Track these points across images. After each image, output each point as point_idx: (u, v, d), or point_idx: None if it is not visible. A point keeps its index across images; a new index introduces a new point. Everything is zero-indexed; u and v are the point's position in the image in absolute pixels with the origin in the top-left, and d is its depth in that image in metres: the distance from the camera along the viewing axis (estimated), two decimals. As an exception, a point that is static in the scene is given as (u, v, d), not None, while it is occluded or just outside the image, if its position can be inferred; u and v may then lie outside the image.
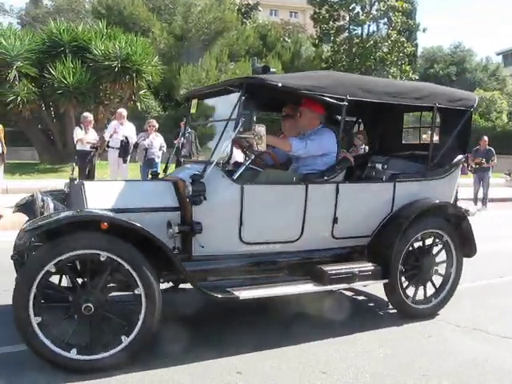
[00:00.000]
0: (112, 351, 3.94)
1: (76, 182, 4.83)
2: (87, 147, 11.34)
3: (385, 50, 31.85)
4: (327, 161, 5.16)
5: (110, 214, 4.19)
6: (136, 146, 11.78)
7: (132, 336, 4.00)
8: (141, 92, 18.66)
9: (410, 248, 5.32)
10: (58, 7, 31.17)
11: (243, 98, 4.66)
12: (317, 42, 33.96)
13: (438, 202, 5.45)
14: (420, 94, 5.52)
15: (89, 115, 11.91)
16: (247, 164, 4.96)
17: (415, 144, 6.38)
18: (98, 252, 3.90)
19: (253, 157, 5.06)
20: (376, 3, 31.90)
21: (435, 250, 5.56)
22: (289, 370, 4.07)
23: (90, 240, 3.93)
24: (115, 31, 18.92)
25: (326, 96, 4.91)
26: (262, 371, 4.04)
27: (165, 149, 12.18)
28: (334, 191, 5.01)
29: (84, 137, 11.37)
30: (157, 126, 12.18)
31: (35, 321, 3.75)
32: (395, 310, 5.39)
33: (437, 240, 5.51)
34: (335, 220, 5.04)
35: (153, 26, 27.43)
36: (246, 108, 4.82)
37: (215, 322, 5.16)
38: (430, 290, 5.47)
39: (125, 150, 11.73)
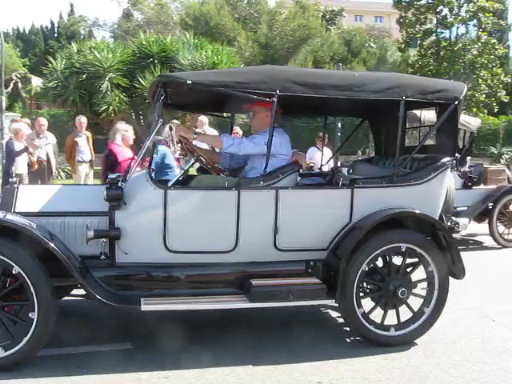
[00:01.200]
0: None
1: (9, 186, 4.78)
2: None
3: (474, 52, 30.71)
4: (275, 164, 4.77)
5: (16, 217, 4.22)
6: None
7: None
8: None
9: (371, 265, 4.71)
10: (148, 20, 32.28)
11: (161, 97, 4.48)
12: (403, 46, 33.22)
13: (405, 211, 4.76)
14: (381, 86, 4.79)
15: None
16: (186, 169, 4.89)
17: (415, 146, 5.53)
18: None
19: (192, 161, 5.01)
20: (465, 4, 30.86)
21: (410, 267, 4.93)
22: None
23: None
24: (202, 41, 19.29)
25: (250, 92, 4.56)
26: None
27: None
28: (273, 198, 4.58)
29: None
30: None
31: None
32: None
33: (410, 256, 4.84)
34: (276, 230, 4.60)
35: (238, 35, 27.85)
36: (168, 108, 4.65)
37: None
38: (407, 314, 4.88)
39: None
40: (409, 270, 4.95)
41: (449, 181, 5.34)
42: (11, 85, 34.93)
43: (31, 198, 4.64)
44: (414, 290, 4.92)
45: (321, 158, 6.84)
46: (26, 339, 4.09)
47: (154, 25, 30.57)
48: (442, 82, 5.54)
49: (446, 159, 5.03)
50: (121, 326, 5.25)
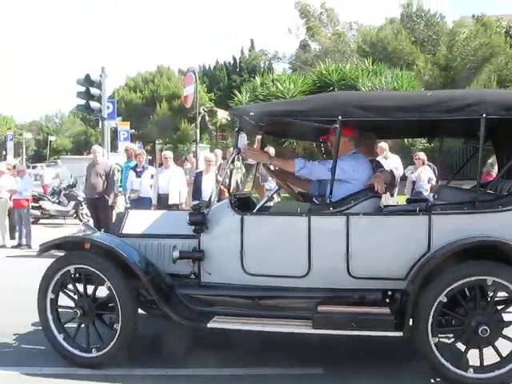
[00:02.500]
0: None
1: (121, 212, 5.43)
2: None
3: None
4: (348, 189, 4.70)
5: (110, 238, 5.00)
6: (404, 178, 11.82)
7: None
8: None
9: (446, 299, 4.29)
10: (326, 50, 32.95)
11: (236, 128, 4.88)
12: None
13: (488, 239, 4.28)
14: (456, 104, 4.44)
15: (271, 152, 12.32)
16: (270, 195, 5.25)
17: None
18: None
19: (275, 189, 5.28)
20: None
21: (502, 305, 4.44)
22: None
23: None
24: (380, 67, 19.32)
25: (311, 120, 4.69)
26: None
27: (434, 181, 12.00)
28: (343, 224, 4.50)
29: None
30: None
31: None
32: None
33: (495, 291, 4.36)
34: (348, 256, 4.50)
35: (417, 58, 27.31)
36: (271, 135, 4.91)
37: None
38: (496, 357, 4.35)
39: (391, 182, 11.82)
40: (500, 307, 4.48)
41: None
42: (199, 118, 37.61)
43: (136, 222, 5.26)
44: (504, 332, 4.41)
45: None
46: (111, 344, 4.75)
47: (332, 54, 31.09)
48: None
49: None
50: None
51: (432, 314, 4.32)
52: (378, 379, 4.64)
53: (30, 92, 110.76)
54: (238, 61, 52.39)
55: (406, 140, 19.35)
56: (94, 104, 13.90)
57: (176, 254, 4.80)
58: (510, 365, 4.32)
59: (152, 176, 11.03)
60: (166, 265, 4.94)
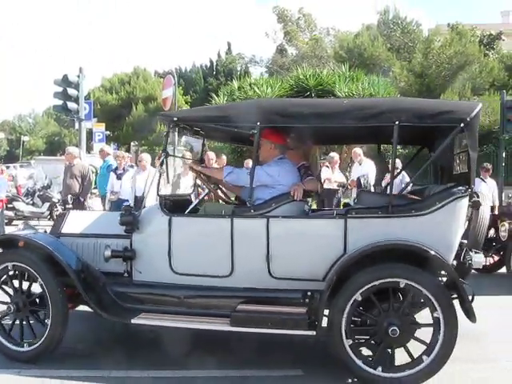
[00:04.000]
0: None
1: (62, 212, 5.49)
2: (334, 186, 11.87)
3: None
4: (275, 193, 4.89)
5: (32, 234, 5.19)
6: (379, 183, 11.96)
7: None
8: (383, 131, 18.90)
9: (361, 298, 4.46)
10: (303, 55, 33.17)
11: (166, 132, 5.16)
12: None
13: (399, 243, 4.46)
14: (371, 112, 4.64)
15: (335, 155, 12.49)
16: (197, 201, 5.42)
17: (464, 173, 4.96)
18: None
19: (204, 192, 5.60)
20: None
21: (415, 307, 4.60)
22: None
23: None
24: (357, 73, 19.50)
25: (231, 126, 4.92)
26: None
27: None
28: (264, 226, 4.67)
29: (331, 176, 11.95)
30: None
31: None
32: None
33: (408, 293, 4.49)
34: (269, 258, 4.66)
35: (393, 65, 27.69)
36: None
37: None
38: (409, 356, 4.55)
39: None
40: (413, 310, 4.62)
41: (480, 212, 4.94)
42: (176, 120, 37.40)
43: (76, 222, 5.49)
44: (416, 334, 4.59)
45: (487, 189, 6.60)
46: (42, 339, 4.88)
47: (309, 59, 31.34)
48: (447, 104, 5.26)
49: (457, 188, 4.63)
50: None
51: (346, 314, 4.46)
52: (357, 380, 4.68)
53: (1, 91, 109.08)
54: (214, 64, 52.23)
55: (382, 146, 19.59)
56: (71, 105, 13.80)
57: (108, 252, 5.02)
58: (419, 366, 4.45)
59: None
60: (102, 263, 5.12)
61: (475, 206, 4.61)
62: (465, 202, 4.62)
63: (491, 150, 24.36)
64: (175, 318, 4.78)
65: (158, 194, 5.18)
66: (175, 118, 5.11)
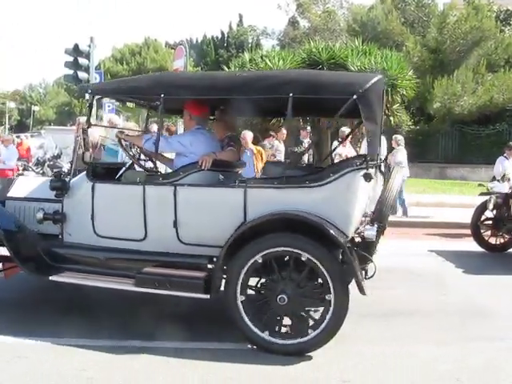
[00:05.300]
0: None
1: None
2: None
3: None
4: (187, 162, 5.11)
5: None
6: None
7: None
8: (394, 106, 18.69)
9: (255, 266, 4.57)
10: (315, 27, 32.76)
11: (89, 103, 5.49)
12: None
13: (281, 213, 4.54)
14: (265, 84, 4.80)
15: (346, 130, 12.40)
16: (124, 169, 5.69)
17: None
18: None
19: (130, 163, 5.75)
20: None
21: (300, 273, 4.58)
22: None
23: None
24: (370, 47, 19.21)
25: (139, 97, 5.46)
26: None
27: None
28: (171, 193, 4.85)
29: (342, 151, 11.89)
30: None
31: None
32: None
33: (299, 261, 4.52)
34: (176, 224, 4.85)
35: (406, 39, 27.32)
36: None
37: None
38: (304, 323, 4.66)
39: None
40: (302, 278, 4.62)
41: (374, 185, 4.97)
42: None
43: (21, 187, 5.81)
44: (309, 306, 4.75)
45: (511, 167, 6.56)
46: None
47: (321, 32, 30.95)
48: (342, 76, 5.38)
49: (354, 161, 4.74)
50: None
51: (240, 279, 4.60)
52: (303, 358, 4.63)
53: (12, 60, 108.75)
54: (225, 35, 51.81)
55: (392, 121, 19.43)
56: (81, 74, 13.73)
57: (40, 215, 5.37)
58: (303, 338, 4.55)
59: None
60: (41, 225, 5.43)
61: (365, 178, 4.53)
62: (360, 174, 4.59)
63: (504, 128, 24.15)
64: (88, 277, 5.07)
65: (83, 161, 5.40)
66: (89, 90, 5.41)
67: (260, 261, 4.58)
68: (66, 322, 5.07)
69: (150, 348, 4.68)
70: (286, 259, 4.65)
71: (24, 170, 16.43)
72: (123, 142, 5.68)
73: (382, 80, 4.87)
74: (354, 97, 4.51)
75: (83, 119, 11.86)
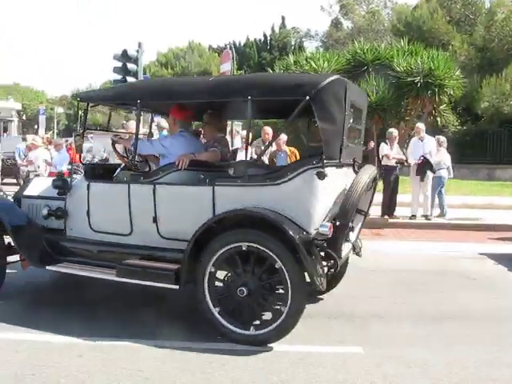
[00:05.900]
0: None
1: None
2: (392, 162, 11.71)
3: None
4: (165, 162, 5.47)
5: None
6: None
7: None
8: (441, 107, 18.44)
9: (220, 260, 4.79)
10: (358, 28, 32.57)
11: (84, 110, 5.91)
12: None
13: (246, 210, 4.76)
14: (229, 88, 5.18)
15: (394, 131, 12.28)
16: (121, 167, 6.09)
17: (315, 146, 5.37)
18: None
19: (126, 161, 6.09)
20: None
21: (260, 267, 4.73)
22: None
23: None
24: (416, 47, 19.02)
25: (121, 102, 5.95)
26: None
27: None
28: (151, 191, 5.23)
29: (389, 152, 11.77)
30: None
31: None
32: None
33: (260, 256, 4.67)
34: (156, 219, 5.23)
35: (452, 38, 26.92)
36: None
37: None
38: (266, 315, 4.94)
39: (423, 166, 11.74)
40: (261, 272, 4.77)
41: (338, 183, 5.12)
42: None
43: (36, 187, 6.42)
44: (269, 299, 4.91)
45: None
46: None
47: (365, 32, 30.75)
48: (297, 78, 5.66)
49: (310, 160, 4.79)
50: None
51: (208, 272, 4.84)
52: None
53: (60, 67, 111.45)
54: (268, 38, 51.89)
55: (439, 122, 19.16)
56: (130, 79, 13.96)
57: (44, 211, 5.95)
58: (261, 330, 4.76)
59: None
60: (48, 221, 5.97)
61: (319, 176, 4.63)
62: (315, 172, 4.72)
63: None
64: (78, 268, 5.54)
65: (81, 162, 5.92)
66: (78, 98, 5.94)
67: (225, 255, 4.81)
68: (65, 320, 5.31)
69: (146, 347, 4.76)
70: (247, 253, 4.80)
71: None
72: (116, 146, 6.21)
73: (340, 80, 4.93)
74: (307, 98, 4.67)
75: (131, 123, 12.21)
